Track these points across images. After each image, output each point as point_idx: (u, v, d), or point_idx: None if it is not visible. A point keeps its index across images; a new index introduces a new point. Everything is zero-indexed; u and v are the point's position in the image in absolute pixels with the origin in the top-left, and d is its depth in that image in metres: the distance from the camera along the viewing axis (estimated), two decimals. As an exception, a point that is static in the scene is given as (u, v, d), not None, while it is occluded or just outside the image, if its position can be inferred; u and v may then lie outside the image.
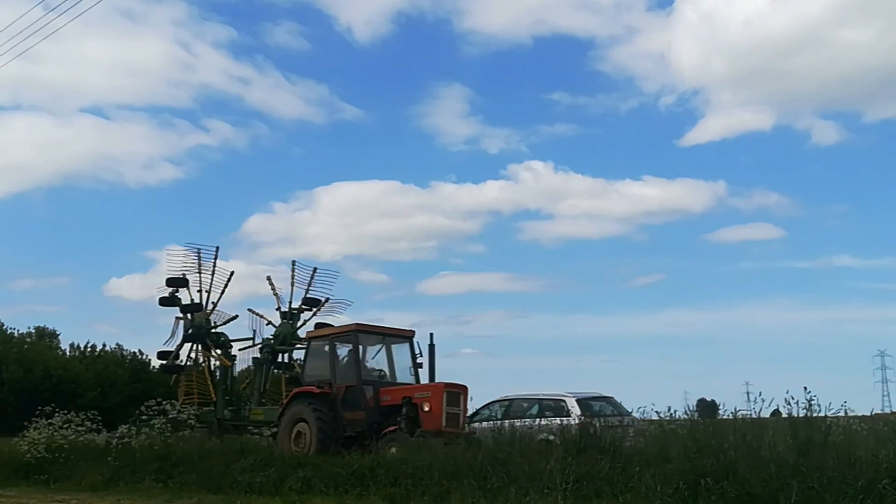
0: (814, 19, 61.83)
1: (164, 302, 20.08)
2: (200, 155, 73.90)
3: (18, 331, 46.04)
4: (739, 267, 76.39)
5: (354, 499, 11.44)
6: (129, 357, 46.82)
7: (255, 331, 20.08)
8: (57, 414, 17.54)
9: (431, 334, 15.84)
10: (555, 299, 79.97)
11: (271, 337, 19.66)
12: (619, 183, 79.17)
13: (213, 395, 19.25)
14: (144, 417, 16.51)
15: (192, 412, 18.00)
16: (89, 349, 46.62)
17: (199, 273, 20.01)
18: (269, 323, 19.86)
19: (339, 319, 19.34)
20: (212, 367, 20.09)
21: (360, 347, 15.68)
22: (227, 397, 19.76)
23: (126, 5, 60.31)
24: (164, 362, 20.33)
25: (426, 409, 14.08)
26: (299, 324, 19.98)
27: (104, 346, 47.07)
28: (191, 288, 20.13)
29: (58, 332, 48.60)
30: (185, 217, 76.42)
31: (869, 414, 14.10)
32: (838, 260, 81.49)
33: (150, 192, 72.92)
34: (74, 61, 66.21)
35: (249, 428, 17.63)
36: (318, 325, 18.87)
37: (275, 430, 15.50)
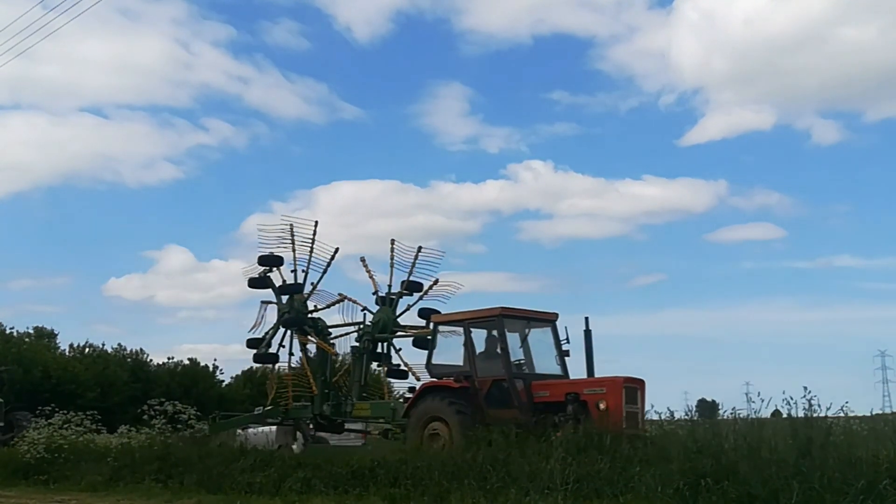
0: (814, 18, 61.92)
1: (255, 283, 18.06)
2: (200, 154, 73.97)
3: (18, 330, 46.09)
4: (740, 267, 76.47)
5: (354, 499, 11.43)
6: (129, 357, 46.87)
7: (364, 314, 17.61)
8: (57, 414, 17.54)
9: (587, 318, 13.84)
10: (555, 299, 79.83)
11: (370, 324, 17.40)
12: (620, 182, 79.27)
13: (314, 389, 16.95)
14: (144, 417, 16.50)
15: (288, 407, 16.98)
16: (89, 349, 46.65)
17: (294, 250, 17.81)
18: (365, 309, 17.65)
19: (445, 306, 17.03)
20: (308, 356, 17.85)
21: (506, 335, 13.68)
22: (326, 391, 17.39)
23: (125, 4, 60.39)
24: (255, 351, 17.98)
25: (601, 407, 12.31)
26: (400, 310, 17.74)
27: (103, 345, 47.14)
28: (280, 269, 17.98)
29: (57, 333, 48.64)
30: (185, 217, 76.45)
31: (869, 414, 14.15)
32: (839, 260, 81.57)
33: (149, 191, 72.98)
34: (73, 60, 66.25)
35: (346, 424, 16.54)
36: (424, 312, 16.93)
37: (386, 427, 14.43)
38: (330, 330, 17.91)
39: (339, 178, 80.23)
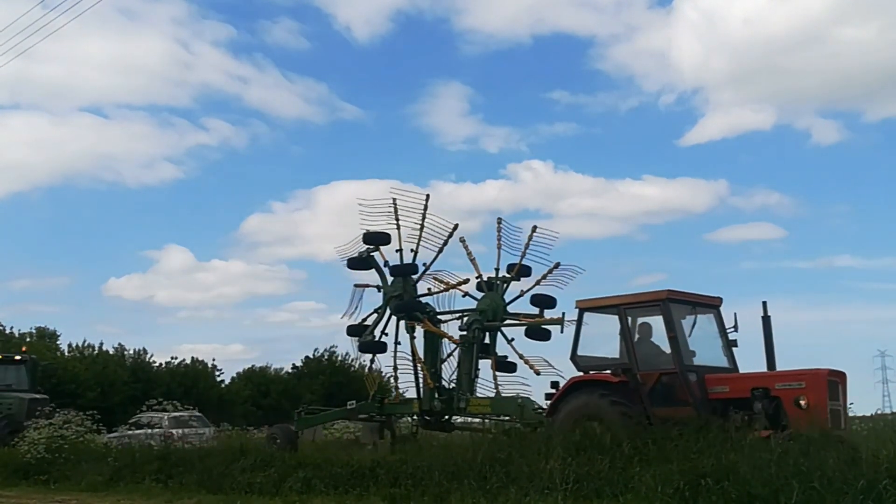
0: (814, 17, 61.82)
1: (356, 264, 16.37)
2: (200, 154, 73.86)
3: (19, 330, 46.09)
4: (740, 267, 76.24)
5: (354, 499, 11.44)
6: (129, 358, 46.85)
7: (466, 299, 16.01)
8: (57, 414, 17.57)
9: (765, 303, 12.18)
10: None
11: (478, 311, 15.61)
12: (620, 182, 79.08)
13: (428, 382, 15.21)
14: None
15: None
16: (89, 349, 46.64)
17: (399, 227, 16.05)
18: (466, 294, 15.98)
19: (562, 293, 15.35)
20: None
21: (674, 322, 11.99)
22: (436, 384, 15.66)
23: (125, 4, 60.35)
24: (358, 339, 16.25)
25: (802, 403, 10.82)
26: (508, 297, 15.92)
27: (101, 345, 47.12)
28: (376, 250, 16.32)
29: (58, 333, 48.62)
30: (185, 217, 76.42)
31: (869, 414, 14.14)
32: (839, 260, 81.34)
33: (149, 191, 72.92)
34: (73, 60, 66.18)
35: (458, 421, 15.19)
36: (537, 299, 15.24)
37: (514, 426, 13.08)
38: (440, 317, 16.08)
39: (338, 178, 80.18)
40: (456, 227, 15.88)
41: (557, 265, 15.08)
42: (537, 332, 14.84)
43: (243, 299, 73.92)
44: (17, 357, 25.52)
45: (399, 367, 15.62)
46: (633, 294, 12.58)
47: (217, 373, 47.30)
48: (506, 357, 15.14)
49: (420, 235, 15.85)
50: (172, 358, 47.27)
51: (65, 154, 69.78)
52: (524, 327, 15.07)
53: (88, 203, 73.84)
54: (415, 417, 16.05)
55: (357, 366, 18.08)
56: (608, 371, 12.09)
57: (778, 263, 74.60)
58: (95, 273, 77.76)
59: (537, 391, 13.97)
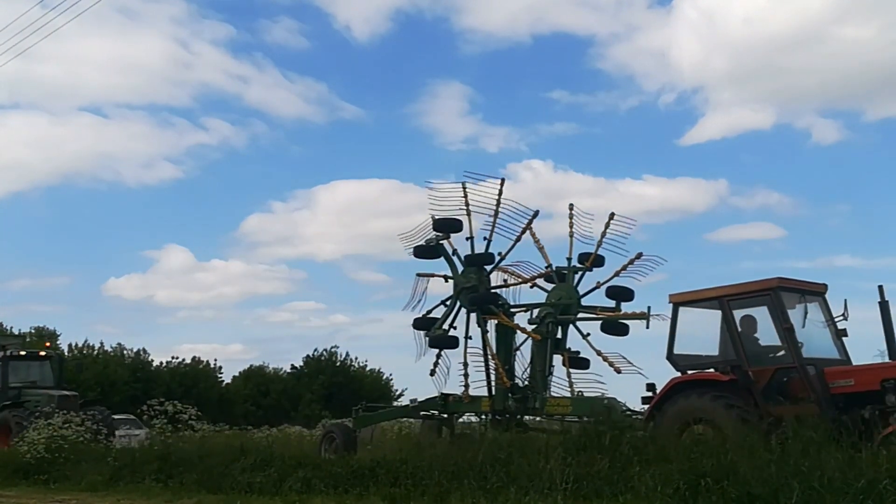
0: (814, 17, 61.72)
1: (424, 252, 15.11)
2: (200, 154, 73.80)
3: (19, 330, 46.12)
4: (741, 266, 76.21)
5: (354, 499, 11.45)
6: (129, 357, 46.89)
7: (551, 290, 14.93)
8: (57, 414, 17.58)
9: (881, 287, 11.43)
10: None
11: (549, 304, 14.63)
12: (620, 182, 78.85)
13: (504, 379, 14.01)
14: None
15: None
16: (88, 349, 46.69)
17: (469, 214, 14.98)
18: (533, 285, 15.06)
19: (640, 285, 14.34)
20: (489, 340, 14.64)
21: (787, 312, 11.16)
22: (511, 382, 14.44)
23: (124, 3, 60.34)
24: (428, 333, 15.01)
25: None
26: (580, 289, 14.87)
27: (101, 344, 47.17)
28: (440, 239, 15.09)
29: (58, 333, 48.67)
30: (185, 216, 76.41)
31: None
32: (839, 260, 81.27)
33: (149, 191, 72.88)
34: (72, 59, 66.17)
35: (538, 421, 14.18)
36: (614, 290, 14.33)
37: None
38: (512, 309, 14.90)
39: (338, 178, 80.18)
40: (536, 213, 14.85)
41: (640, 255, 14.10)
42: (615, 326, 13.96)
43: (243, 299, 73.95)
44: (42, 353, 24.74)
45: (469, 363, 14.48)
46: (735, 285, 11.70)
47: (219, 374, 47.38)
48: (578, 353, 14.36)
49: (494, 223, 14.75)
50: (173, 358, 47.34)
51: (64, 154, 69.82)
52: (599, 322, 14.17)
53: (88, 203, 73.88)
54: (482, 417, 14.95)
55: (425, 359, 15.13)
56: (711, 370, 11.27)
57: (778, 263, 74.72)
58: (95, 273, 77.80)
59: (613, 390, 13.32)
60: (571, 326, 14.47)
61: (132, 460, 15.06)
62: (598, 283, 14.47)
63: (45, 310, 75.96)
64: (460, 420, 15.60)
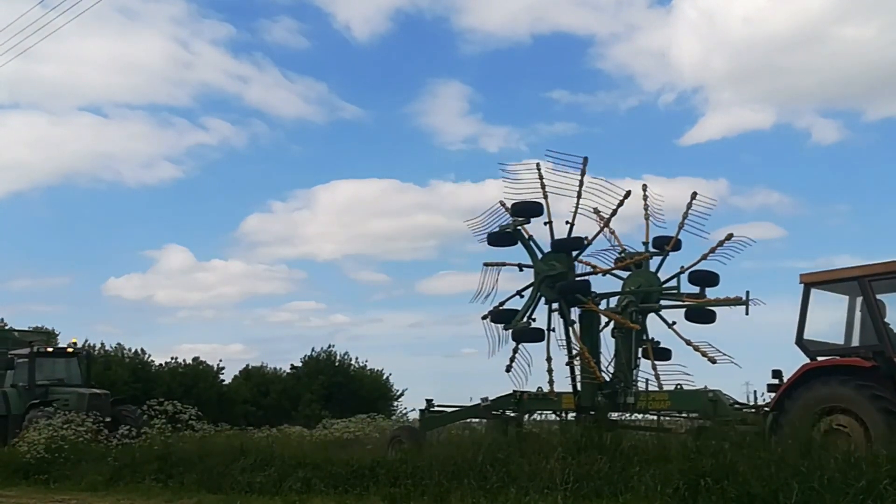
0: (814, 16, 61.60)
1: (499, 239, 14.11)
2: (200, 154, 73.60)
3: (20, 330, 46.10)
4: (740, 266, 76.04)
5: (354, 499, 11.44)
6: (128, 357, 46.85)
7: (628, 277, 13.95)
8: (58, 414, 17.58)
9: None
10: (555, 299, 79.52)
11: (630, 292, 13.71)
12: (620, 182, 77.94)
13: (598, 374, 12.90)
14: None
15: None
16: (89, 349, 46.63)
17: (546, 197, 13.97)
18: (607, 272, 14.13)
19: (725, 269, 13.43)
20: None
21: None
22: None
23: (124, 3, 60.09)
24: (507, 326, 13.91)
25: None
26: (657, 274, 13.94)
27: (102, 345, 47.13)
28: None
29: (57, 332, 48.61)
30: (184, 216, 76.29)
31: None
32: (839, 260, 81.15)
33: (149, 191, 72.71)
34: (72, 59, 65.90)
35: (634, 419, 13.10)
36: (698, 275, 13.32)
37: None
38: (598, 298, 13.72)
39: (338, 178, 79.98)
40: (628, 194, 13.80)
41: (730, 236, 13.21)
42: (702, 314, 13.09)
43: (243, 299, 73.75)
44: (70, 349, 23.32)
45: (552, 357, 13.33)
46: (877, 264, 10.66)
47: (220, 374, 47.31)
48: (658, 343, 13.63)
49: (577, 204, 13.77)
50: (172, 358, 47.31)
51: (64, 153, 69.62)
52: (683, 309, 13.28)
53: (88, 202, 73.67)
54: (562, 415, 13.78)
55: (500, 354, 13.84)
56: (858, 355, 10.30)
57: (778, 263, 74.43)
58: (95, 273, 77.52)
59: (699, 381, 12.60)
60: (652, 315, 13.60)
61: (132, 460, 15.05)
62: (682, 267, 13.56)
63: (44, 310, 75.76)
64: (533, 418, 14.33)
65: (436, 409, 15.45)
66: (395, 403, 38.89)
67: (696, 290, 13.32)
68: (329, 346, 44.11)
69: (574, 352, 13.15)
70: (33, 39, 20.53)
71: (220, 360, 46.81)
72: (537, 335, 13.52)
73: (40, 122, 67.20)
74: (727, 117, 71.21)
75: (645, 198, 14.20)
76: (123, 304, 66.48)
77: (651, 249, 13.90)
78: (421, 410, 15.39)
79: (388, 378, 41.98)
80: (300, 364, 45.94)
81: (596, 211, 14.13)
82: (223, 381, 47.37)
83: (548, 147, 71.45)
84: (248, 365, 46.24)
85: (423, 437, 14.40)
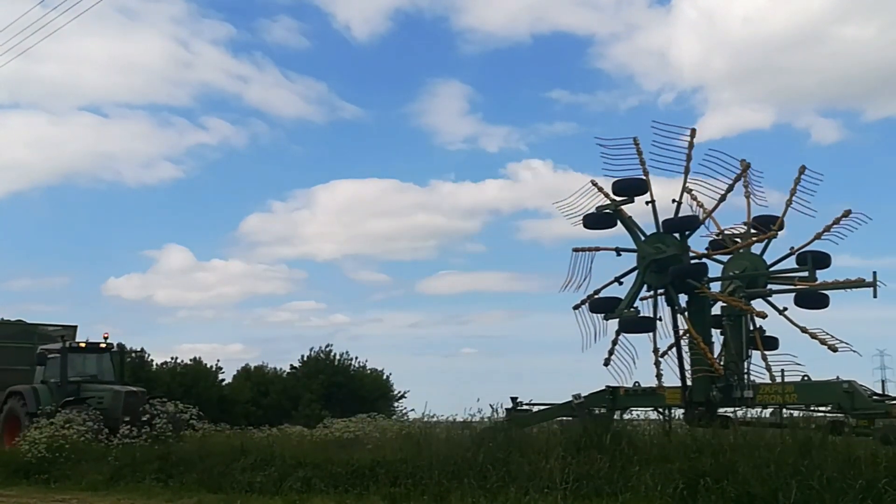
0: (813, 16, 61.71)
1: (597, 221, 13.32)
2: (200, 154, 73.65)
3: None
4: (739, 266, 76.28)
5: (354, 498, 11.46)
6: (129, 357, 46.85)
7: (729, 260, 13.10)
8: (59, 413, 17.60)
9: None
10: (555, 299, 79.47)
11: (736, 276, 12.86)
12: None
13: (717, 367, 11.96)
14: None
15: None
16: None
17: (646, 173, 13.02)
18: (703, 255, 13.25)
19: (837, 249, 12.85)
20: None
21: None
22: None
23: (124, 3, 60.16)
24: (610, 315, 13.04)
25: None
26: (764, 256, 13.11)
27: (103, 345, 47.14)
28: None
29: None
30: (185, 216, 76.31)
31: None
32: (838, 260, 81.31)
33: (149, 191, 72.76)
34: (72, 59, 65.98)
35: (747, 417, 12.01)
36: (808, 256, 12.44)
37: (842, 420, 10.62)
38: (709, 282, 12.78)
39: (338, 177, 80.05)
40: (747, 167, 13.10)
41: (848, 213, 12.51)
42: (814, 298, 12.33)
43: (243, 299, 73.79)
44: (103, 344, 21.47)
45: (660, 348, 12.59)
46: None
47: (220, 373, 47.30)
48: (765, 331, 12.81)
49: (685, 181, 12.85)
50: (172, 358, 47.32)
51: (64, 153, 69.68)
52: (793, 294, 12.56)
53: (88, 202, 73.72)
54: (664, 412, 12.95)
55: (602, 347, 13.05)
56: None
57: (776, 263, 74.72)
58: (95, 273, 77.55)
59: (813, 372, 11.99)
60: (760, 300, 12.75)
61: (133, 460, 15.07)
62: (792, 248, 12.83)
63: (44, 309, 75.85)
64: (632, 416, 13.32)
65: (522, 407, 14.52)
66: (396, 404, 38.84)
67: (803, 273, 12.55)
68: (329, 346, 44.05)
69: (684, 342, 12.21)
70: (34, 39, 20.57)
71: (218, 361, 46.81)
72: (646, 324, 12.58)
73: (40, 121, 67.23)
74: (727, 117, 71.26)
75: (745, 175, 13.32)
76: (123, 303, 66.47)
77: (753, 230, 13.05)
78: (506, 409, 14.42)
79: (388, 378, 41.95)
80: (300, 364, 45.97)
81: (688, 190, 13.24)
82: (223, 380, 47.41)
83: (548, 147, 71.30)
84: (246, 364, 46.20)
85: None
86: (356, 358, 43.64)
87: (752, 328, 12.57)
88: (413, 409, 19.47)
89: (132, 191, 70.82)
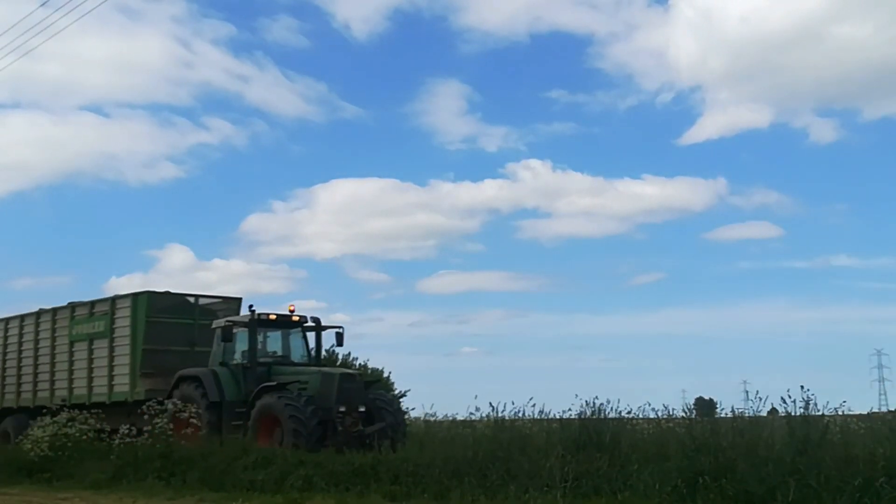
0: (811, 15, 61.72)
1: None
2: (201, 154, 73.77)
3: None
4: (738, 266, 76.22)
5: (355, 497, 11.50)
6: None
7: None
8: (62, 412, 17.64)
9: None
10: (554, 298, 79.63)
11: None
12: (618, 181, 78.77)
13: None
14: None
15: None
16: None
17: None
18: None
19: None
20: None
21: None
22: None
23: (125, 3, 60.23)
24: None
25: None
26: None
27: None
28: None
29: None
30: (186, 216, 76.40)
31: (866, 413, 14.18)
32: (836, 259, 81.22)
33: (150, 190, 72.87)
34: (73, 59, 66.06)
35: None
36: None
37: None
38: None
39: (338, 177, 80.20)
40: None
41: None
42: None
43: (244, 298, 74.03)
44: (296, 317, 17.34)
45: None
46: None
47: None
48: None
49: None
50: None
51: (66, 153, 69.87)
52: None
53: (89, 202, 73.84)
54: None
55: None
56: None
57: (776, 263, 74.61)
58: (97, 272, 77.68)
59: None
60: None
61: (135, 458, 15.11)
62: None
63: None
64: None
65: None
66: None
67: None
68: (330, 346, 44.14)
69: None
70: (36, 40, 20.58)
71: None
72: None
73: (42, 121, 67.32)
74: (725, 116, 71.39)
75: None
76: (124, 303, 66.52)
77: None
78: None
79: (388, 376, 41.98)
80: (300, 363, 46.13)
81: None
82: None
83: (547, 147, 71.13)
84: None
85: None
86: (356, 358, 43.69)
87: None
88: (413, 408, 19.54)
89: (134, 190, 70.94)
